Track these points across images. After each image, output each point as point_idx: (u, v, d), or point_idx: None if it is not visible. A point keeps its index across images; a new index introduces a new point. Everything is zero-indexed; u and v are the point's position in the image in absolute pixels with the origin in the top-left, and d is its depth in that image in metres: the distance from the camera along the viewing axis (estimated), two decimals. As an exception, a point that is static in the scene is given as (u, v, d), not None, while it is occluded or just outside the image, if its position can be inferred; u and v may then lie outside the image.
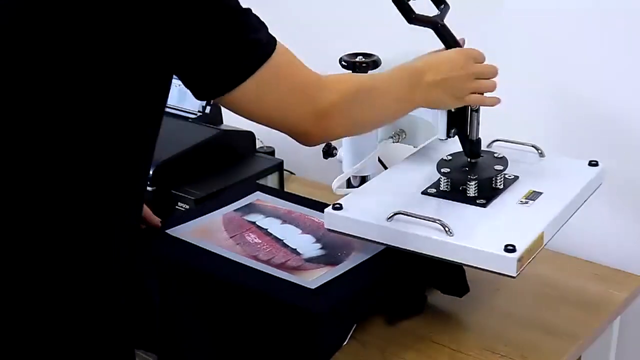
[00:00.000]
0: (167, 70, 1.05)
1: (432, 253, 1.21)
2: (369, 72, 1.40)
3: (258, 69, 1.03)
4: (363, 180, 1.49)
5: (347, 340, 1.23)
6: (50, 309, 1.05)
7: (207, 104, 1.81)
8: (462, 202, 1.30)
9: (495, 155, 1.37)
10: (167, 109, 1.87)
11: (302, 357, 1.17)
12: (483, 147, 1.37)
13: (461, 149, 1.35)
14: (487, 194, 1.31)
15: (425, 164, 1.42)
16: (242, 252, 1.31)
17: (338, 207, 1.28)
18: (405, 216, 1.24)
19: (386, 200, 1.30)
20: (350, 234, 1.28)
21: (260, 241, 1.35)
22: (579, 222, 1.34)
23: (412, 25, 1.27)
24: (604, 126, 1.53)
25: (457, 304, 1.37)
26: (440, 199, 1.31)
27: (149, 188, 1.58)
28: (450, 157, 1.37)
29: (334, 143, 1.55)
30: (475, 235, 1.21)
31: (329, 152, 1.55)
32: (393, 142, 1.44)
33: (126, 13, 0.97)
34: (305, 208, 1.46)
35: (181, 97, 1.86)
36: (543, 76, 1.52)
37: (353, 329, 1.25)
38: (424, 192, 1.33)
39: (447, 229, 1.20)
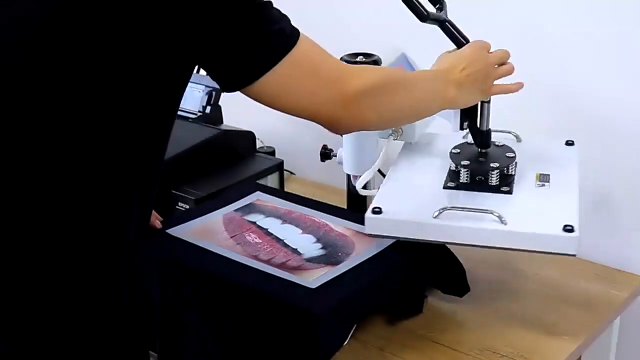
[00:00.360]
0: (191, 63, 1.07)
1: (488, 244, 1.24)
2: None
3: (283, 58, 1.04)
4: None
5: (347, 340, 1.23)
6: (54, 308, 1.04)
7: (207, 104, 1.81)
8: (487, 191, 1.32)
9: (497, 143, 1.39)
10: (167, 109, 1.88)
11: (302, 357, 1.17)
12: (460, 139, 1.41)
13: (456, 141, 1.39)
14: (505, 181, 1.33)
15: (424, 158, 1.44)
16: (242, 252, 1.31)
17: (378, 211, 1.27)
18: (452, 211, 1.25)
19: (416, 198, 1.32)
20: (396, 235, 1.27)
21: (260, 241, 1.35)
22: (579, 222, 1.34)
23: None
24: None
25: (457, 304, 1.37)
26: (465, 191, 1.33)
27: (149, 188, 1.59)
28: (458, 150, 1.39)
29: (331, 145, 1.55)
30: (527, 221, 1.24)
31: (326, 154, 1.55)
32: (393, 139, 1.45)
33: (151, 7, 0.98)
34: (305, 208, 1.46)
35: (181, 97, 1.86)
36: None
37: (353, 329, 1.25)
38: (446, 187, 1.34)
39: (501, 218, 1.22)
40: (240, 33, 1.02)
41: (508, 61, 1.30)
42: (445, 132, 1.47)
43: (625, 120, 1.52)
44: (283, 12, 1.08)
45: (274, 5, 1.07)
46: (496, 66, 1.29)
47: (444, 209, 1.25)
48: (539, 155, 1.42)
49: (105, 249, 1.06)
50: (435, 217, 1.24)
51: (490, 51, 1.29)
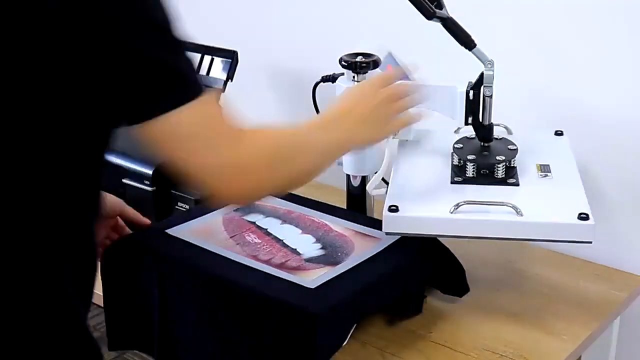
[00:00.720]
0: (94, 96, 0.98)
1: (506, 235, 1.26)
2: (369, 72, 1.40)
3: (177, 108, 0.98)
4: (363, 180, 1.49)
5: (347, 340, 1.23)
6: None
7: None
8: (495, 184, 1.34)
9: (496, 137, 1.41)
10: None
11: (301, 358, 1.17)
12: (452, 134, 1.45)
13: (448, 136, 1.42)
14: (510, 173, 1.36)
15: (424, 155, 1.46)
16: (242, 252, 1.31)
17: (394, 209, 1.28)
18: (468, 205, 1.26)
19: (427, 195, 1.34)
20: (413, 232, 1.29)
21: (260, 241, 1.35)
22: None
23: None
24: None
25: (457, 304, 1.37)
26: (473, 185, 1.35)
27: (149, 188, 1.58)
28: (461, 145, 1.40)
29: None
30: (541, 211, 1.26)
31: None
32: (393, 138, 1.45)
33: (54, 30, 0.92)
34: (304, 208, 1.46)
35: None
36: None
37: (353, 329, 1.25)
38: (454, 182, 1.36)
39: (517, 210, 1.24)
40: (140, 70, 0.96)
41: (412, 95, 1.25)
42: (436, 127, 1.51)
43: (624, 119, 1.52)
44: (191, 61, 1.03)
45: (187, 52, 1.01)
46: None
47: (460, 203, 1.26)
48: (533, 146, 1.44)
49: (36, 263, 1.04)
50: (452, 212, 1.26)
51: (390, 84, 1.25)
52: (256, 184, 1.08)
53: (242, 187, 1.06)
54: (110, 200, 1.34)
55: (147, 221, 1.40)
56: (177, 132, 0.99)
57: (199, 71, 1.85)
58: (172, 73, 0.98)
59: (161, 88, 0.98)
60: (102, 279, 1.36)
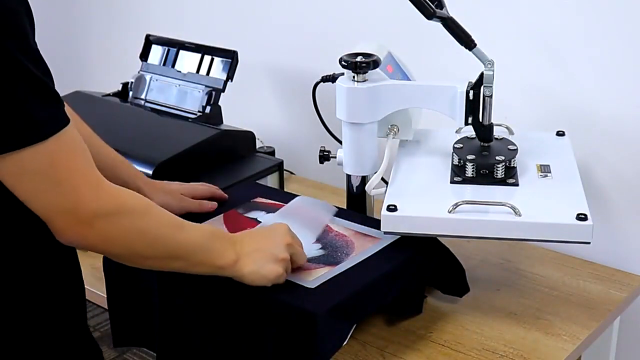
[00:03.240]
0: None
1: (504, 235, 1.26)
2: (369, 71, 1.40)
3: (20, 149, 0.95)
4: (363, 180, 1.49)
5: (346, 341, 1.23)
6: None
7: (207, 104, 1.81)
8: (494, 184, 1.34)
9: (496, 137, 1.41)
10: (167, 109, 1.89)
11: (301, 357, 1.17)
12: (452, 134, 1.45)
13: (448, 136, 1.43)
14: (510, 173, 1.36)
15: (424, 155, 1.46)
16: (242, 252, 1.31)
17: (393, 209, 1.28)
18: (465, 205, 1.26)
19: (426, 194, 1.34)
20: (411, 232, 1.29)
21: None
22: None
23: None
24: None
25: (457, 304, 1.37)
26: (472, 185, 1.35)
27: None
28: (461, 145, 1.40)
29: (328, 147, 1.55)
30: (540, 211, 1.26)
31: (324, 156, 1.55)
32: (392, 138, 1.45)
33: None
34: (305, 208, 1.45)
35: (181, 97, 1.87)
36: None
37: (353, 329, 1.25)
38: (453, 182, 1.36)
39: (515, 210, 1.24)
40: None
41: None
42: (436, 127, 1.52)
43: (623, 119, 1.52)
44: (58, 96, 0.99)
45: (50, 88, 0.97)
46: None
47: (458, 203, 1.26)
48: (534, 146, 1.45)
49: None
50: (450, 212, 1.26)
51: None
52: (100, 239, 1.03)
53: (85, 237, 1.02)
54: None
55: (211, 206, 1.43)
56: (18, 172, 0.97)
57: (198, 70, 1.85)
58: (16, 112, 0.94)
59: (4, 127, 0.94)
60: (105, 277, 1.37)
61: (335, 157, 1.51)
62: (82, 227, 1.01)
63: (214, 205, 1.43)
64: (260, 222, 1.39)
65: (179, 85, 1.88)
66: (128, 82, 1.95)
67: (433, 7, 1.29)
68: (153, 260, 1.11)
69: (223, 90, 1.82)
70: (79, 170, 1.00)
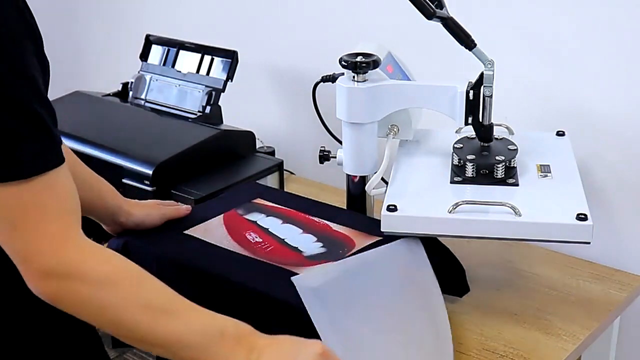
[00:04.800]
0: None
1: (504, 235, 1.26)
2: (369, 71, 1.40)
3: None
4: (363, 180, 1.49)
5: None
6: None
7: (207, 104, 1.81)
8: (494, 184, 1.35)
9: (496, 137, 1.41)
10: (167, 109, 1.89)
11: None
12: (452, 134, 1.45)
13: (448, 136, 1.43)
14: (510, 173, 1.36)
15: (424, 155, 1.46)
16: (242, 251, 1.31)
17: (393, 209, 1.28)
18: (465, 205, 1.26)
19: (426, 194, 1.34)
20: (411, 232, 1.29)
21: (261, 240, 1.35)
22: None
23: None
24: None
25: (457, 304, 1.37)
26: (472, 185, 1.35)
27: (149, 188, 1.58)
28: (461, 145, 1.41)
29: (328, 147, 1.55)
30: (540, 211, 1.26)
31: (324, 156, 1.55)
32: (392, 138, 1.45)
33: None
34: (305, 208, 1.45)
35: (181, 97, 1.87)
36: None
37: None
38: (453, 182, 1.36)
39: (515, 210, 1.24)
40: None
41: None
42: (436, 127, 1.52)
43: (622, 118, 1.52)
44: (53, 134, 0.93)
45: (42, 121, 0.92)
46: None
47: (458, 203, 1.26)
48: (534, 146, 1.45)
49: None
50: (450, 212, 1.26)
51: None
52: (41, 294, 0.96)
53: (56, 295, 0.96)
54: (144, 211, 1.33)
55: (186, 209, 1.39)
56: None
57: (198, 70, 1.85)
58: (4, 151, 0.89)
59: None
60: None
61: (335, 157, 1.51)
62: (36, 280, 0.95)
63: (188, 208, 1.40)
64: (260, 225, 1.39)
65: (179, 85, 1.88)
66: (128, 82, 1.95)
67: (433, 7, 1.30)
68: (125, 339, 0.99)
69: (223, 90, 1.82)
70: (46, 221, 0.93)
